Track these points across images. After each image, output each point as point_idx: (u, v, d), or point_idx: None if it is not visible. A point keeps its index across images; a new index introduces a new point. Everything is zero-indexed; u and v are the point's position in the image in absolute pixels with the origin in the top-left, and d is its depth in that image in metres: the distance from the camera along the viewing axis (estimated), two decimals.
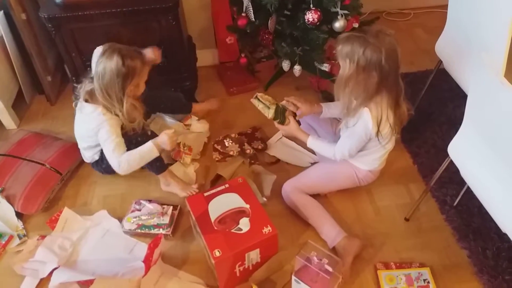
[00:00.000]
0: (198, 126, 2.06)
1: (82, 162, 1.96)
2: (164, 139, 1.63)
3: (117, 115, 1.64)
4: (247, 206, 1.51)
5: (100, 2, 1.86)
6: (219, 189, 1.56)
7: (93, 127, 1.65)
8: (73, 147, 1.94)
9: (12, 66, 2.13)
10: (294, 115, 1.72)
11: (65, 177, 1.87)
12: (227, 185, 1.58)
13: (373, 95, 1.46)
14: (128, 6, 1.85)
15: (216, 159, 1.92)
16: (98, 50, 1.66)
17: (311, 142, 1.67)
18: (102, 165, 1.80)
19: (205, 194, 1.55)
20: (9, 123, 2.14)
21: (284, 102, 1.72)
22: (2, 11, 2.09)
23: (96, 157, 1.81)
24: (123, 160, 1.63)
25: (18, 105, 2.22)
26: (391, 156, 1.85)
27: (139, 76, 1.62)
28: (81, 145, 1.82)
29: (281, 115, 1.67)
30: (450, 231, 1.64)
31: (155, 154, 1.66)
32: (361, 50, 1.38)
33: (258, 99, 1.68)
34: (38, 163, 1.82)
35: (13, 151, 1.88)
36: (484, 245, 1.57)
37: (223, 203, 1.52)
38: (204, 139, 2.02)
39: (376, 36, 1.39)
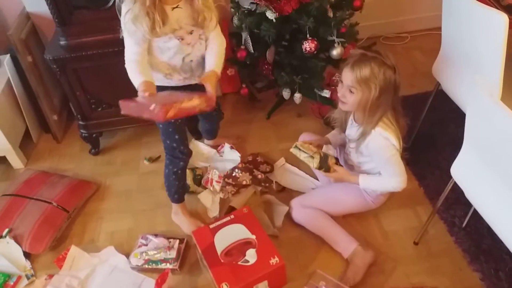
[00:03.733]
0: (231, 154, 2.09)
1: (88, 198, 1.98)
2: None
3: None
4: (253, 237, 1.50)
5: (103, 42, 1.91)
6: (224, 220, 1.57)
7: None
8: (80, 184, 1.96)
9: (19, 107, 2.18)
10: (336, 160, 1.70)
11: (72, 215, 1.88)
12: (232, 216, 1.58)
13: (386, 112, 1.48)
14: None
15: (232, 192, 1.91)
16: None
17: (364, 181, 1.62)
18: None
19: (211, 226, 1.55)
20: (17, 163, 2.18)
21: (300, 144, 1.65)
22: (8, 55, 2.16)
23: None
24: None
25: (25, 145, 2.26)
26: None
27: None
28: None
29: (325, 163, 1.62)
30: (460, 253, 1.62)
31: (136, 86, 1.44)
32: (381, 72, 1.40)
33: (299, 149, 1.64)
34: (45, 201, 1.84)
35: (20, 190, 1.91)
36: (496, 267, 1.54)
37: (229, 235, 1.52)
38: (251, 192, 1.91)
39: (381, 53, 1.42)
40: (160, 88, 1.52)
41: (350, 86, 1.45)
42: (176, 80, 1.58)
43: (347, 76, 1.45)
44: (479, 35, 1.47)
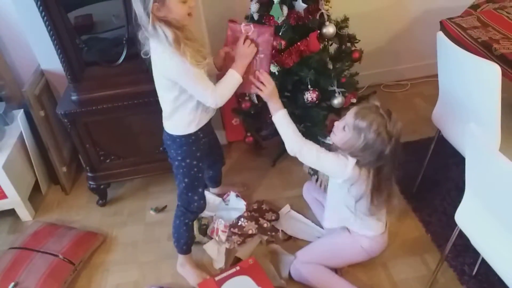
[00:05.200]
0: (237, 202, 2.10)
1: (95, 250, 1.98)
2: (241, 52, 1.51)
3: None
4: None
5: (112, 96, 1.98)
6: (230, 272, 1.56)
7: None
8: (86, 236, 1.96)
9: (30, 160, 2.23)
10: None
11: (78, 267, 1.87)
12: (238, 268, 1.57)
13: (363, 166, 1.50)
14: (139, 98, 1.97)
15: (238, 242, 1.90)
16: None
17: (280, 117, 1.59)
18: None
19: (217, 278, 1.54)
20: (25, 215, 2.20)
21: None
22: (22, 110, 2.25)
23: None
24: None
25: (34, 196, 2.29)
26: (402, 226, 1.84)
27: None
28: None
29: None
30: None
31: (238, 78, 1.51)
32: (376, 131, 1.42)
33: None
34: (52, 254, 1.84)
35: (28, 243, 1.92)
36: None
37: (235, 287, 1.50)
38: (257, 241, 1.93)
39: (392, 117, 1.44)
40: (192, 139, 1.59)
41: (345, 125, 1.50)
42: (211, 113, 1.63)
43: (349, 115, 1.50)
44: (473, 85, 1.51)
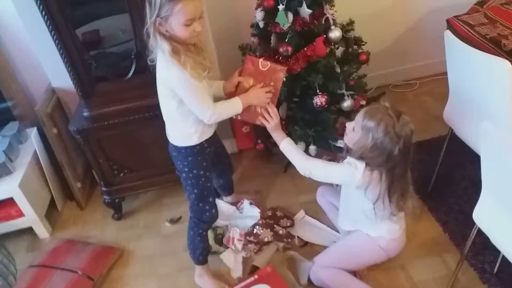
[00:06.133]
0: (251, 210, 2.10)
1: (113, 264, 1.99)
2: (258, 94, 1.60)
3: None
4: None
5: (124, 111, 2.00)
6: (248, 281, 1.55)
7: None
8: (104, 251, 1.98)
9: (45, 177, 2.26)
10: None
11: (97, 283, 1.88)
12: (256, 276, 1.57)
13: (374, 168, 1.50)
14: (149, 111, 1.98)
15: (254, 250, 1.90)
16: None
17: (286, 144, 1.68)
18: None
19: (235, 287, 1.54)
20: (43, 232, 2.22)
21: None
22: (35, 128, 2.28)
23: None
24: None
25: (50, 213, 2.31)
26: (420, 227, 1.82)
27: (166, 7, 1.34)
28: None
29: None
30: None
31: (239, 109, 1.58)
32: (384, 131, 1.42)
33: None
34: (71, 271, 1.86)
35: (46, 261, 1.94)
36: None
37: None
38: (274, 249, 1.93)
39: (401, 117, 1.45)
40: (197, 149, 1.61)
41: (355, 125, 1.52)
42: (213, 126, 1.66)
43: (358, 116, 1.52)
44: (484, 82, 1.51)
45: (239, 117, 1.67)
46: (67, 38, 1.84)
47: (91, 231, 2.22)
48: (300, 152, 1.68)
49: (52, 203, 2.33)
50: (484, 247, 1.71)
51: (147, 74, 1.97)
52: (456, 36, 1.60)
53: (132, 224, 2.23)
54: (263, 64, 1.62)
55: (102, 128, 2.01)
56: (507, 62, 1.34)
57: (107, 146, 2.08)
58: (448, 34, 1.61)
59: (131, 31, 1.90)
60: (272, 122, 1.65)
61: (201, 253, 1.75)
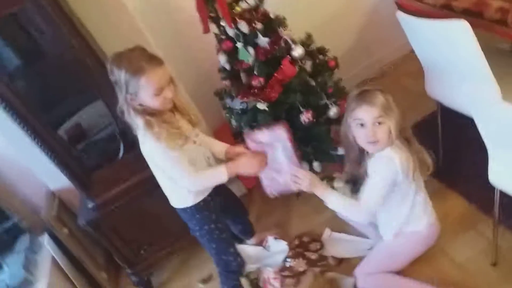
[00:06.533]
0: (278, 245, 2.06)
1: None
2: (248, 162, 1.56)
3: None
4: None
5: (127, 189, 2.01)
6: None
7: None
8: None
9: (69, 279, 2.23)
10: None
11: None
12: None
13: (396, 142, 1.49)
14: (150, 182, 1.94)
15: (293, 284, 1.85)
16: None
17: (332, 200, 1.56)
18: None
19: None
20: None
21: None
22: (46, 234, 2.27)
23: None
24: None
25: None
26: (445, 207, 1.78)
27: (132, 86, 1.37)
28: None
29: None
30: None
31: (225, 179, 1.55)
32: (386, 94, 1.47)
33: None
34: None
35: None
36: None
37: None
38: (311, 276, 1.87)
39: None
40: (201, 205, 1.60)
41: (377, 118, 1.43)
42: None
43: (369, 112, 1.43)
44: (449, 47, 1.51)
45: (274, 194, 1.65)
46: (50, 140, 1.88)
47: None
48: (349, 201, 1.56)
49: None
50: None
51: (137, 148, 2.00)
52: (409, 14, 1.62)
53: None
54: (261, 136, 1.59)
55: (110, 213, 2.02)
56: (463, 21, 1.34)
57: (120, 228, 2.08)
58: (401, 14, 1.64)
59: (109, 114, 1.95)
60: (303, 183, 1.54)
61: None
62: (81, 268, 2.29)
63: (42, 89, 2.04)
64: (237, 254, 1.70)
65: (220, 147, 1.71)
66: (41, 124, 1.85)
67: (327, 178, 1.79)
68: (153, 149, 1.46)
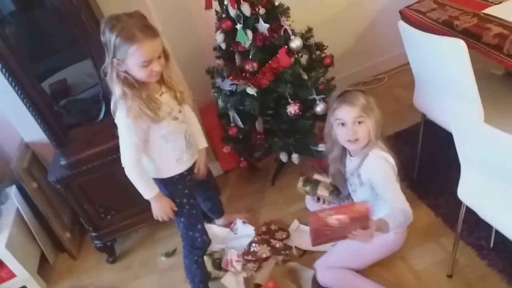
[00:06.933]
0: (245, 229, 2.08)
1: None
2: (158, 207, 1.57)
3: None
4: None
5: (101, 152, 1.99)
6: None
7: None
8: None
9: (32, 233, 2.21)
10: (335, 188, 1.80)
11: None
12: None
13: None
14: None
15: (254, 269, 1.88)
16: None
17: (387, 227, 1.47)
18: None
19: None
20: None
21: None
22: (14, 185, 2.24)
23: None
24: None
25: (43, 269, 2.25)
26: (413, 216, 1.82)
27: (120, 51, 1.35)
28: None
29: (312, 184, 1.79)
30: (497, 275, 1.57)
31: (147, 197, 1.56)
32: (367, 95, 1.53)
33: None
34: None
35: None
36: None
37: None
38: (273, 263, 1.91)
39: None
40: (176, 178, 1.59)
41: (357, 118, 1.49)
42: (186, 161, 1.63)
43: (350, 112, 1.49)
44: (442, 63, 1.54)
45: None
46: (33, 92, 1.84)
47: (88, 279, 2.17)
48: (392, 216, 1.49)
49: (43, 258, 2.28)
50: (477, 224, 1.72)
51: None
52: (410, 25, 1.65)
53: (127, 264, 2.19)
54: (332, 219, 1.34)
55: (82, 174, 1.99)
56: (460, 41, 1.38)
57: (90, 190, 2.06)
58: (402, 23, 1.66)
59: (96, 75, 1.91)
60: (369, 238, 1.42)
61: (201, 280, 1.73)
62: (46, 225, 2.27)
63: (32, 39, 1.99)
64: (204, 232, 1.71)
65: (199, 142, 1.72)
66: (25, 74, 1.80)
67: (313, 183, 1.81)
68: (120, 119, 1.46)
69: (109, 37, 1.35)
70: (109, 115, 1.98)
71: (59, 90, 2.07)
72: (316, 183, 1.85)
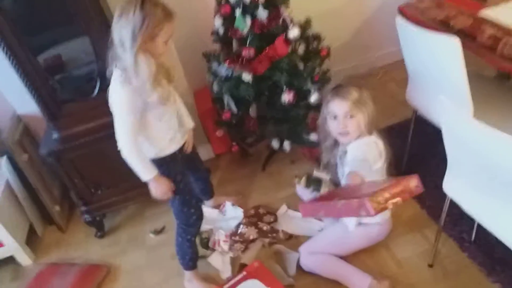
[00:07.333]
0: (234, 211, 2.11)
1: (101, 282, 1.96)
2: (157, 187, 1.57)
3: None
4: None
5: (94, 128, 1.99)
6: (237, 278, 1.57)
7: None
8: (90, 270, 1.95)
9: (21, 205, 2.22)
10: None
11: None
12: (244, 273, 1.59)
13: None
14: None
15: (241, 249, 1.91)
16: None
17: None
18: None
19: (225, 286, 1.55)
20: (25, 260, 2.17)
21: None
22: (5, 156, 2.23)
23: None
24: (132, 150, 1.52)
25: (31, 240, 2.27)
26: (399, 206, 1.86)
27: (158, 28, 1.41)
28: None
29: (314, 183, 1.75)
30: (476, 267, 1.62)
31: (145, 179, 1.55)
32: (361, 89, 1.57)
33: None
34: None
35: (32, 286, 1.89)
36: None
37: None
38: (259, 245, 1.94)
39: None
40: (169, 157, 1.62)
41: (348, 112, 1.54)
42: (179, 140, 1.66)
43: (341, 106, 1.55)
44: (437, 60, 1.58)
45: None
46: (27, 65, 1.84)
47: (75, 252, 2.19)
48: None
49: (32, 230, 2.28)
50: (460, 217, 1.78)
51: None
52: (408, 21, 1.67)
53: (116, 240, 2.21)
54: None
55: (74, 148, 2.00)
56: (455, 38, 1.41)
57: (81, 165, 2.07)
58: (399, 20, 1.69)
59: (92, 53, 1.91)
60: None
61: (191, 258, 1.76)
62: (35, 197, 2.27)
63: (31, 11, 1.96)
64: (199, 207, 1.73)
65: (186, 122, 1.75)
66: (20, 46, 1.80)
67: (316, 183, 1.83)
68: (119, 97, 1.46)
69: (151, 12, 1.38)
70: (103, 92, 1.99)
71: (54, 65, 2.05)
72: (319, 182, 1.79)
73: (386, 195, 1.09)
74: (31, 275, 1.99)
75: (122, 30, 1.38)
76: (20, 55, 1.81)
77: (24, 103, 2.19)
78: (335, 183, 1.85)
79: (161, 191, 1.58)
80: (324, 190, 1.76)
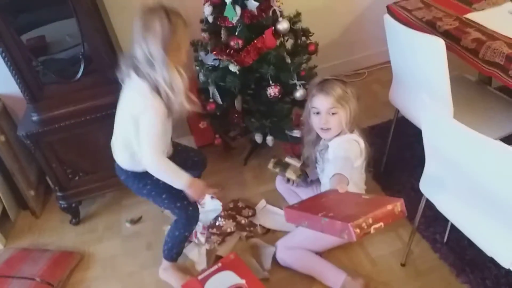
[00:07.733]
0: (213, 204, 2.10)
1: (73, 269, 1.93)
2: (194, 191, 1.55)
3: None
4: (243, 281, 1.51)
5: (74, 112, 1.96)
6: (212, 269, 1.57)
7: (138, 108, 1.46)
8: (62, 256, 1.92)
9: None
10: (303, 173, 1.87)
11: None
12: (219, 264, 1.58)
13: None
14: (100, 111, 1.95)
15: (218, 242, 1.91)
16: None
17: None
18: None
19: (199, 277, 1.55)
20: None
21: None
22: None
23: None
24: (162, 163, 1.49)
25: (3, 224, 2.22)
26: None
27: (180, 37, 1.43)
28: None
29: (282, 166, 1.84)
30: (447, 268, 1.66)
31: (180, 186, 1.53)
32: (346, 86, 1.61)
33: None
34: (28, 278, 1.79)
35: (1, 271, 1.85)
36: (482, 276, 1.58)
37: (219, 284, 1.52)
38: (236, 238, 1.94)
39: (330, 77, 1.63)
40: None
41: (331, 108, 1.56)
42: (168, 152, 1.66)
43: (324, 101, 1.56)
44: (421, 60, 1.60)
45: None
46: (10, 44, 1.80)
47: (48, 238, 2.15)
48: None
49: (4, 214, 2.23)
50: (434, 219, 1.81)
51: (97, 75, 1.95)
52: (396, 20, 1.69)
53: (91, 228, 2.19)
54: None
55: (53, 131, 1.96)
56: (440, 40, 1.44)
57: (60, 149, 2.03)
58: (387, 17, 1.71)
59: (78, 35, 1.87)
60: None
61: (177, 252, 1.75)
62: (10, 180, 2.22)
63: None
64: (187, 197, 1.66)
65: None
66: (4, 23, 1.76)
67: (283, 166, 1.88)
68: (156, 106, 1.42)
69: (177, 23, 1.39)
70: (86, 76, 1.97)
71: (37, 46, 2.02)
72: (286, 166, 1.90)
73: (370, 220, 1.10)
74: (1, 260, 1.94)
75: (151, 46, 1.37)
76: (4, 33, 1.77)
77: (4, 82, 2.13)
78: (310, 177, 1.87)
79: (199, 193, 1.58)
80: (290, 175, 1.84)
